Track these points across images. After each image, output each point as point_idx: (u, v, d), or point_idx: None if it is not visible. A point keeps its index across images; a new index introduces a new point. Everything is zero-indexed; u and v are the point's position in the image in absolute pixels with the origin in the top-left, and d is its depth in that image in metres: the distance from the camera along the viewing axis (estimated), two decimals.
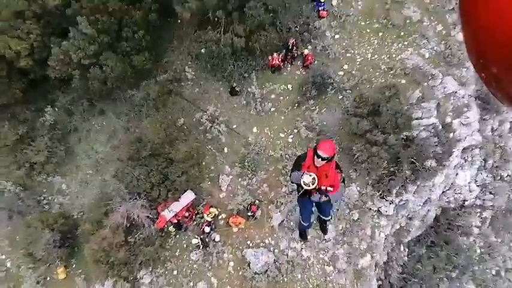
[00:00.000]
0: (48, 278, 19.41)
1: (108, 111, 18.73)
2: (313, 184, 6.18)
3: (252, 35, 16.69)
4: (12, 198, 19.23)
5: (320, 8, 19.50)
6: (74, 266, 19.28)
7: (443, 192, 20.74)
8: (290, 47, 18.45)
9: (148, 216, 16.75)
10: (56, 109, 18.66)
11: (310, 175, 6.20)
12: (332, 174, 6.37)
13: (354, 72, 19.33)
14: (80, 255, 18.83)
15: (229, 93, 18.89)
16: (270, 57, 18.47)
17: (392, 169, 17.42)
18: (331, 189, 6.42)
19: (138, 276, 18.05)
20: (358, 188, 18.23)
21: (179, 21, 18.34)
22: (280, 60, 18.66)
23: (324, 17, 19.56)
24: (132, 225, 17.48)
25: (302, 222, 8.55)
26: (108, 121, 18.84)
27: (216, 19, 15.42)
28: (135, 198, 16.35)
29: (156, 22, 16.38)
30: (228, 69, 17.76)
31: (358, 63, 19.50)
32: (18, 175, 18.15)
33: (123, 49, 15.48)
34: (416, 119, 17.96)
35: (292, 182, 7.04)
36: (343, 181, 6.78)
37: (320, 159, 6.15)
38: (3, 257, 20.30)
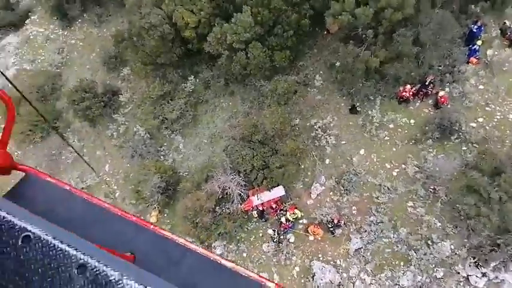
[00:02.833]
0: (142, 217, 22.34)
1: (237, 94, 20.80)
2: None
3: (391, 61, 16.87)
4: (139, 142, 22.59)
5: (472, 55, 18.62)
6: (165, 215, 21.81)
7: None
8: (427, 83, 18.05)
9: (240, 194, 18.14)
10: (197, 80, 21.45)
11: None
12: None
13: (488, 127, 18.04)
14: (173, 208, 21.23)
15: (349, 110, 19.31)
16: (401, 88, 18.34)
17: (498, 241, 15.78)
18: None
19: (212, 245, 19.65)
20: (452, 247, 16.93)
21: (325, 32, 19.44)
22: (411, 93, 18.39)
23: (473, 64, 18.64)
24: (223, 197, 19.10)
25: None
26: (234, 102, 20.91)
27: (363, 36, 16.04)
28: (235, 174, 17.89)
29: (306, 27, 17.75)
30: (355, 87, 18.21)
31: (496, 120, 18.13)
32: (152, 124, 21.33)
33: (270, 43, 17.19)
34: None
35: None
36: None
37: None
38: (115, 187, 23.87)
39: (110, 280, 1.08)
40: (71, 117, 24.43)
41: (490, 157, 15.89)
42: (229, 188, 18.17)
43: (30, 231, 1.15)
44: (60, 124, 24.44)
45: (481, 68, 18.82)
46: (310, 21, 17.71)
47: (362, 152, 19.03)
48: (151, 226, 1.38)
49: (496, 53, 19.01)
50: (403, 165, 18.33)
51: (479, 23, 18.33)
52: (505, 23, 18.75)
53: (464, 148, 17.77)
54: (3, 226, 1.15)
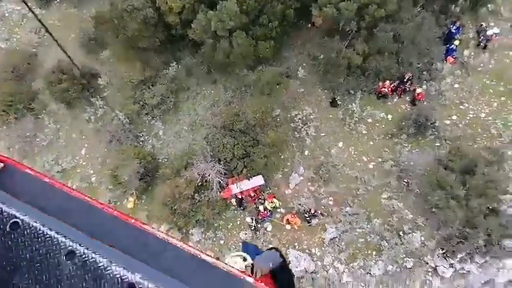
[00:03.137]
0: (118, 203, 22.04)
1: (220, 83, 20.76)
2: None
3: (372, 56, 17.24)
4: (118, 126, 22.20)
5: (450, 54, 19.23)
6: (142, 201, 21.64)
7: (510, 281, 18.93)
8: (405, 80, 18.57)
9: (219, 182, 18.24)
10: (179, 66, 21.24)
11: None
12: None
13: (460, 125, 18.76)
14: (151, 194, 21.08)
15: (329, 103, 19.64)
16: (380, 83, 18.79)
17: (465, 233, 16.57)
18: None
19: (190, 231, 19.72)
20: (422, 238, 17.65)
21: (310, 25, 19.60)
22: (390, 89, 18.87)
23: (450, 63, 19.27)
24: (202, 185, 19.14)
25: None
26: (216, 90, 20.87)
27: (346, 31, 16.30)
28: (215, 162, 17.95)
29: (291, 18, 17.85)
30: (337, 81, 18.52)
31: (468, 118, 18.87)
32: (131, 109, 21.02)
33: (255, 33, 17.20)
34: (510, 194, 16.81)
35: None
36: None
37: None
38: (92, 171, 23.44)
39: (99, 266, 1.09)
40: (46, 99, 23.74)
41: (460, 155, 16.57)
42: (208, 175, 18.23)
43: (18, 218, 1.15)
44: (36, 106, 23.73)
45: (458, 67, 19.49)
46: (295, 13, 17.82)
47: (340, 144, 19.44)
48: (132, 220, 1.38)
49: (472, 53, 19.71)
50: (379, 159, 18.87)
51: (457, 24, 18.94)
52: (481, 25, 19.43)
53: (437, 144, 18.45)
54: None
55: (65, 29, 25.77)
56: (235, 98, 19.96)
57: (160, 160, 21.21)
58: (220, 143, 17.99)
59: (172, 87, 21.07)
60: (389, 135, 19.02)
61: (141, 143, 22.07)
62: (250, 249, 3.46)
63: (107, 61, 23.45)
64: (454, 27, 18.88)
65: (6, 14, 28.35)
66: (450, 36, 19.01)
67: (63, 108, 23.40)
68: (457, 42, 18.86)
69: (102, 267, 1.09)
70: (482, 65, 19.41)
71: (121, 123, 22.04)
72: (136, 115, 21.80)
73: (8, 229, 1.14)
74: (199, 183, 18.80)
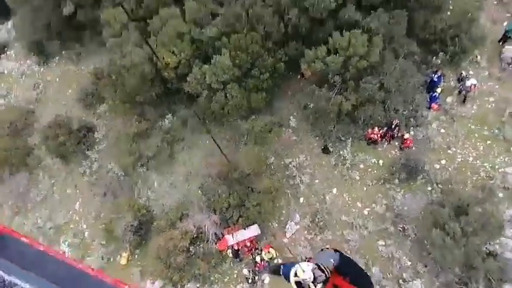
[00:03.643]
0: (111, 259, 21.47)
1: (214, 132, 21.25)
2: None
3: (360, 105, 18.01)
4: (112, 179, 22.28)
5: (433, 101, 20.08)
6: (136, 256, 21.13)
7: None
8: (393, 127, 19.22)
9: (215, 234, 18.07)
10: (175, 118, 21.84)
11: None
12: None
13: (450, 169, 19.16)
14: (145, 248, 20.66)
15: (322, 150, 20.09)
16: (369, 130, 19.40)
17: (465, 279, 16.33)
18: None
19: (185, 287, 19.09)
20: (423, 286, 17.31)
21: (299, 76, 20.59)
22: (379, 135, 19.46)
23: (434, 110, 20.09)
24: (198, 236, 18.93)
25: None
26: (210, 140, 21.28)
27: (333, 82, 17.18)
28: (211, 212, 17.91)
29: (281, 71, 18.82)
30: (328, 128, 19.13)
31: (457, 162, 19.31)
32: (127, 161, 21.22)
33: (247, 85, 18.03)
34: (505, 237, 16.85)
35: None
36: None
37: None
38: (85, 226, 23.08)
39: None
40: (42, 154, 23.94)
41: (453, 196, 16.80)
42: (204, 226, 18.11)
43: (19, 285, 1.21)
44: (31, 161, 23.84)
45: (442, 113, 20.28)
46: (285, 66, 18.81)
47: (334, 191, 19.61)
48: (127, 287, 1.45)
49: (455, 100, 20.61)
50: (374, 205, 18.98)
51: (439, 73, 20.00)
52: (461, 73, 20.54)
53: (429, 188, 18.71)
54: None
55: (63, 84, 26.65)
56: (230, 147, 20.35)
57: (155, 212, 21.06)
58: (215, 192, 18.09)
59: (168, 138, 21.49)
60: (382, 181, 19.29)
61: (135, 195, 22.02)
62: (287, 267, 3.65)
63: (104, 115, 24.04)
64: (436, 76, 19.92)
65: (6, 72, 29.32)
66: (433, 84, 19.99)
67: (58, 163, 23.53)
68: (439, 90, 19.80)
69: None
70: (465, 111, 20.22)
71: (116, 176, 22.14)
72: (131, 167, 21.94)
73: None
74: (195, 235, 18.61)
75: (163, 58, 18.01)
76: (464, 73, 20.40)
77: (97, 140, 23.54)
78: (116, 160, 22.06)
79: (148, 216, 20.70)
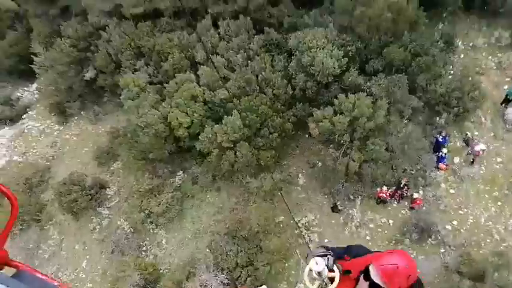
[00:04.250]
0: None
1: (224, 190, 21.54)
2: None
3: (367, 164, 18.32)
4: (121, 236, 22.28)
5: (441, 161, 20.29)
6: None
7: None
8: (402, 186, 19.30)
9: None
10: (185, 175, 22.31)
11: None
12: None
13: (462, 231, 18.85)
14: None
15: (331, 208, 20.07)
16: (378, 189, 19.49)
17: None
18: None
19: None
20: None
21: (307, 135, 21.26)
22: (388, 194, 19.48)
23: (442, 170, 20.23)
24: None
25: None
26: (220, 198, 21.52)
27: (340, 141, 17.72)
28: (218, 272, 17.59)
29: (290, 131, 19.54)
30: (336, 186, 19.30)
31: (469, 223, 19.05)
32: (137, 218, 21.35)
33: (257, 143, 18.66)
34: None
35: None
36: None
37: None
38: (90, 285, 22.67)
39: None
40: (54, 210, 24.25)
41: (470, 262, 16.43)
42: (211, 286, 17.68)
43: None
44: (43, 217, 24.13)
45: (450, 173, 20.39)
46: (293, 125, 19.57)
47: None
48: None
49: (463, 161, 20.78)
50: None
51: (443, 133, 20.46)
52: (467, 134, 20.93)
53: (442, 250, 18.28)
54: None
55: (80, 143, 27.68)
56: (239, 204, 20.49)
57: (162, 270, 20.71)
58: (223, 250, 17.91)
59: (178, 195, 21.77)
60: (394, 241, 18.95)
61: (143, 252, 21.83)
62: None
63: (117, 172, 24.65)
64: (441, 137, 20.34)
65: (26, 131, 30.68)
66: (439, 144, 20.34)
67: (69, 219, 23.74)
68: (445, 150, 20.08)
69: None
70: (473, 171, 20.28)
71: (124, 233, 22.15)
72: (140, 224, 22.00)
73: None
74: None
75: (177, 118, 18.94)
76: (469, 134, 20.74)
77: (109, 197, 23.89)
78: (126, 216, 22.23)
79: (155, 274, 20.32)
